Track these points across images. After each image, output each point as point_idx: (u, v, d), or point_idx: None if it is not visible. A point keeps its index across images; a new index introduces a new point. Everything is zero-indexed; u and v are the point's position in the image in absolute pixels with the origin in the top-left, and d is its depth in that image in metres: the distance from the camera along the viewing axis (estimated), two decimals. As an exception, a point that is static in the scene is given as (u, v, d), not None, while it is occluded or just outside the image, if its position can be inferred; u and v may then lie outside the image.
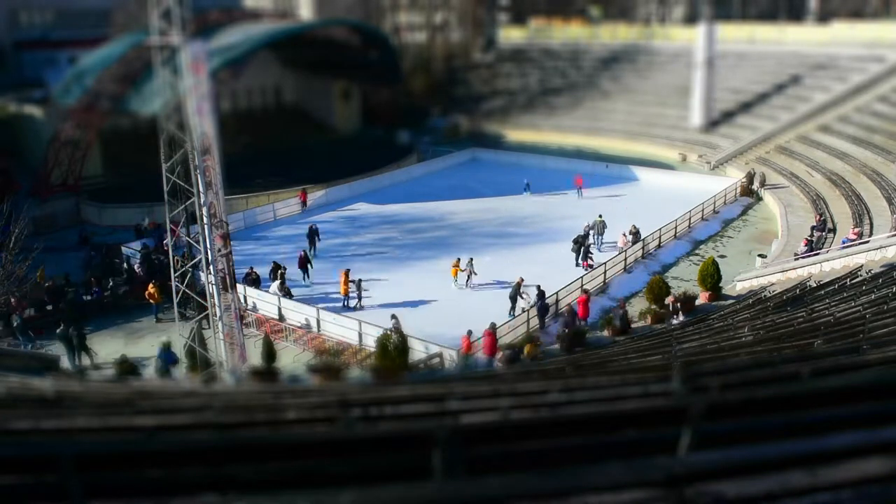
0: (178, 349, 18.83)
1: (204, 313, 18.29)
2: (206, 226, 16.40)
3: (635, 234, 27.27)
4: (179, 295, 18.64)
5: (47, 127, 35.96)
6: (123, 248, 27.61)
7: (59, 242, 29.77)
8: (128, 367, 17.76)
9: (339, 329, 20.96)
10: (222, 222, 16.64)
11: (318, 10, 67.21)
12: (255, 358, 19.19)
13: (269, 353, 19.42)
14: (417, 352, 19.02)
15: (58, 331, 20.22)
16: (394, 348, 18.19)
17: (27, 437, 4.05)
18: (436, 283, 24.56)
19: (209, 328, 18.29)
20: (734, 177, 37.76)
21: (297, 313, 21.94)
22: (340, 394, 6.37)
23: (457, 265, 24.37)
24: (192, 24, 16.07)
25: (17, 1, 47.35)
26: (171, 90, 16.63)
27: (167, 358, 18.45)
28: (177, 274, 18.51)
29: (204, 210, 16.20)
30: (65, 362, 16.79)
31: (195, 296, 18.65)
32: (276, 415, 4.96)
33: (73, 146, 34.76)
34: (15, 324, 20.39)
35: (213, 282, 17.22)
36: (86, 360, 19.96)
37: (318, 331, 21.35)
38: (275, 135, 45.40)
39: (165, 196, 17.46)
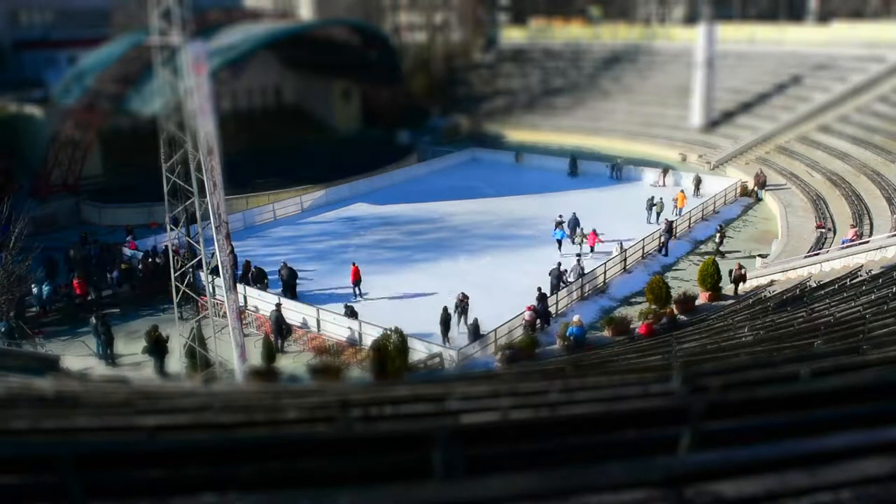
0: (178, 349, 18.87)
1: (204, 313, 18.31)
2: (217, 226, 16.35)
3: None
4: (179, 295, 18.65)
5: (47, 127, 35.93)
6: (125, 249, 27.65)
7: (58, 242, 29.74)
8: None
9: (339, 329, 20.97)
10: (222, 222, 16.64)
11: (318, 10, 67.21)
12: (255, 358, 19.21)
13: (269, 353, 19.44)
14: (417, 352, 19.02)
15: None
16: (394, 348, 18.19)
17: (27, 437, 4.05)
18: (435, 285, 24.56)
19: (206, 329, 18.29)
20: (734, 177, 37.74)
21: (297, 313, 21.93)
22: (340, 394, 6.38)
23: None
24: (192, 24, 16.07)
25: (17, 1, 47.34)
26: (171, 90, 16.64)
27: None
28: (177, 274, 18.52)
29: (211, 210, 16.15)
30: (66, 362, 16.76)
31: (195, 295, 18.66)
32: (276, 415, 4.97)
33: (73, 146, 34.74)
34: (2, 329, 20.36)
35: (222, 282, 17.23)
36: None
37: (318, 331, 21.35)
38: (275, 135, 45.35)
39: (165, 196, 17.47)
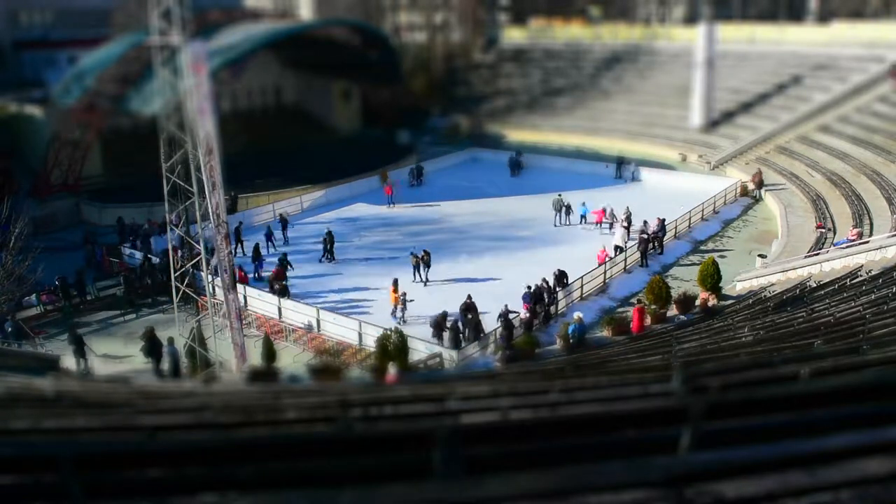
0: (178, 349, 18.87)
1: (204, 313, 18.31)
2: (217, 226, 16.36)
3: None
4: (179, 295, 18.66)
5: (47, 127, 35.93)
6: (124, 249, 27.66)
7: (58, 242, 29.74)
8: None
9: (339, 329, 20.96)
10: (222, 222, 16.65)
11: (318, 10, 67.24)
12: (255, 358, 19.20)
13: (269, 353, 19.44)
14: (418, 352, 19.02)
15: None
16: (394, 348, 18.19)
17: (27, 437, 4.05)
18: (435, 285, 24.58)
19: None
20: (734, 177, 37.73)
21: (297, 313, 21.92)
22: (340, 394, 6.38)
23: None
24: (192, 24, 16.09)
25: (17, 1, 47.35)
26: (171, 90, 16.66)
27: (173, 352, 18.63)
28: (177, 273, 18.53)
29: (211, 210, 16.15)
30: (66, 363, 16.77)
31: (194, 294, 18.67)
32: (275, 415, 4.97)
33: (73, 146, 34.74)
34: (9, 329, 20.31)
35: (220, 281, 17.23)
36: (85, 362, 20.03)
37: (318, 331, 21.34)
38: (275, 135, 45.35)
39: (165, 196, 17.49)
